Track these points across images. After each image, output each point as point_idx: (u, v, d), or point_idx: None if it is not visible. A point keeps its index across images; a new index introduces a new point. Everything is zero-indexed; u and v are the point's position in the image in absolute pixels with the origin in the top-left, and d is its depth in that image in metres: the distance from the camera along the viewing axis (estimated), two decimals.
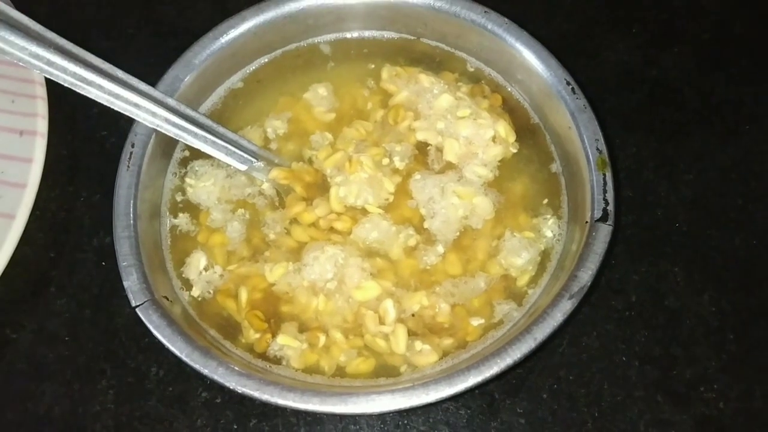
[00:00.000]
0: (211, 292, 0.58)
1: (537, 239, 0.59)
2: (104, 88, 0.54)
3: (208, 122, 0.59)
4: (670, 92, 0.73)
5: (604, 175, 0.55)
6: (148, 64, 0.72)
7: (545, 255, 0.58)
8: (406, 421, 0.59)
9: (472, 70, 0.66)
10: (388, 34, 0.67)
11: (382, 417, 0.59)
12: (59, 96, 0.71)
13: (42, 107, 0.67)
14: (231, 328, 0.57)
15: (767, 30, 0.76)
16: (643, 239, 0.66)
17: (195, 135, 0.58)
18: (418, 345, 0.55)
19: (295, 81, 0.66)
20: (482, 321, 0.56)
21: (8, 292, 0.63)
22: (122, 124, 0.69)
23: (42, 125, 0.66)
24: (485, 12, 0.62)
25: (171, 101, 0.57)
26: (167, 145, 0.61)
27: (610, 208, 0.54)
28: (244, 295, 0.56)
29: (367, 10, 0.64)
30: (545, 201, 0.60)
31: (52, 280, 0.65)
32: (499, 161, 0.61)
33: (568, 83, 0.59)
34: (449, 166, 0.61)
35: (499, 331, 0.55)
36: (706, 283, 0.64)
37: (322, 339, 0.55)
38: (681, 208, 0.68)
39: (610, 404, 0.60)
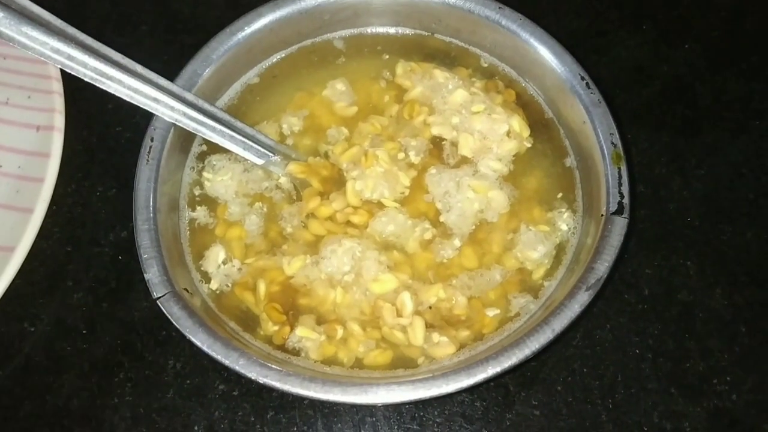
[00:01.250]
0: (230, 285, 0.58)
1: (552, 232, 0.59)
2: (124, 82, 0.55)
3: (226, 117, 0.59)
4: (681, 88, 0.74)
5: (619, 168, 0.56)
6: (162, 61, 0.73)
7: (560, 248, 0.59)
8: (422, 413, 0.60)
9: (486, 65, 0.66)
10: (402, 30, 0.67)
11: (398, 409, 0.60)
12: (75, 92, 0.71)
13: (59, 103, 0.68)
14: (250, 321, 0.57)
15: None
16: (656, 233, 0.67)
17: (213, 129, 0.58)
18: (436, 337, 0.55)
19: (310, 77, 0.66)
20: (498, 312, 0.57)
21: (26, 285, 0.64)
22: (137, 119, 0.70)
23: (59, 120, 0.67)
24: (499, 8, 0.62)
25: (189, 96, 0.57)
26: (185, 139, 0.61)
27: (626, 201, 0.55)
28: (262, 288, 0.57)
29: (382, 6, 0.65)
30: (560, 195, 0.61)
31: (69, 274, 0.65)
32: (514, 156, 0.62)
33: (583, 78, 0.59)
34: (464, 160, 0.62)
35: (516, 323, 0.56)
36: (719, 276, 0.65)
37: (340, 331, 0.56)
38: (693, 203, 0.68)
39: (623, 396, 0.60)
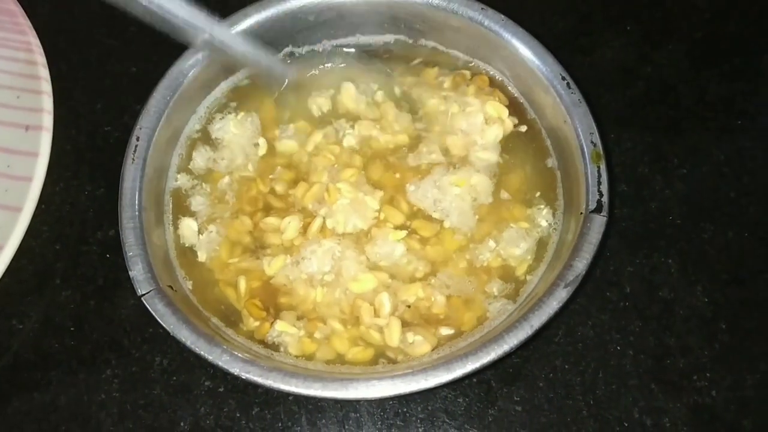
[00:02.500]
0: (218, 248, 0.59)
1: (532, 228, 0.60)
2: None
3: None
4: (665, 89, 0.75)
5: (599, 167, 0.57)
6: (152, 62, 0.74)
7: (541, 244, 0.60)
8: (405, 409, 0.60)
9: (467, 65, 0.67)
10: (386, 38, 0.68)
11: (381, 405, 0.61)
12: (64, 92, 0.72)
13: (47, 103, 0.68)
14: (233, 317, 0.58)
15: (759, 28, 0.78)
16: (638, 232, 0.68)
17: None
18: (410, 337, 0.56)
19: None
20: (478, 312, 0.57)
21: (14, 283, 0.64)
22: (126, 119, 0.71)
23: (48, 120, 0.67)
24: (482, 9, 0.63)
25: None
26: (171, 137, 0.62)
27: (605, 199, 0.55)
28: (243, 285, 0.58)
29: (366, 7, 0.65)
30: (538, 193, 0.62)
31: (57, 272, 0.66)
32: (501, 140, 0.63)
33: (563, 78, 0.60)
34: (459, 160, 0.63)
35: (496, 321, 0.56)
36: (700, 274, 0.66)
37: (321, 329, 0.57)
38: (675, 202, 0.69)
39: (604, 393, 0.61)
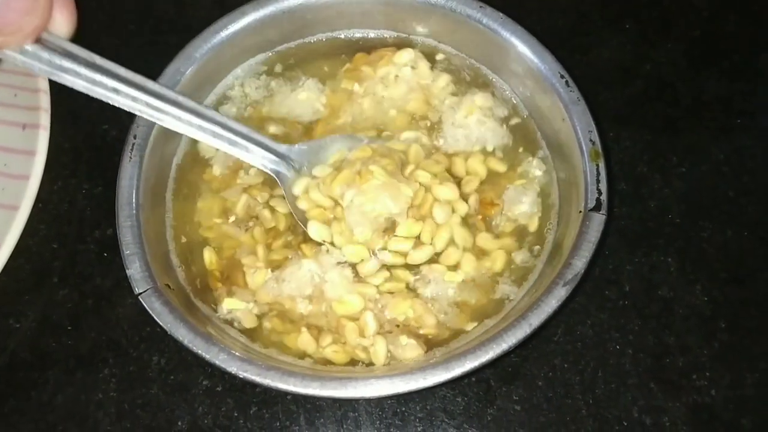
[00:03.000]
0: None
1: (530, 182, 0.61)
2: (80, 74, 0.50)
3: (193, 104, 0.56)
4: (663, 88, 0.75)
5: (597, 165, 0.56)
6: (149, 61, 0.73)
7: (544, 192, 0.61)
8: (403, 409, 0.60)
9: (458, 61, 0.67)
10: (382, 33, 0.68)
11: (380, 404, 0.60)
12: (61, 90, 0.71)
13: (45, 101, 0.68)
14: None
15: (757, 27, 0.78)
16: (637, 231, 0.67)
17: (179, 119, 0.55)
18: (404, 339, 0.55)
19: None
20: (472, 326, 0.57)
21: (11, 282, 0.64)
22: (123, 118, 0.69)
23: (45, 118, 0.67)
24: (480, 7, 0.63)
25: (152, 85, 0.54)
26: (169, 136, 0.62)
27: (603, 197, 0.55)
28: (207, 255, 0.59)
29: (365, 5, 0.65)
30: (521, 149, 0.63)
31: (54, 271, 0.66)
32: None
33: (562, 76, 0.60)
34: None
35: (494, 319, 0.56)
36: (699, 273, 0.66)
37: (305, 332, 0.56)
38: (674, 201, 0.69)
39: (604, 392, 0.61)
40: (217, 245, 0.60)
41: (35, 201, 0.65)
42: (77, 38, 0.75)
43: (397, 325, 0.57)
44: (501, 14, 0.63)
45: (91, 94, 0.51)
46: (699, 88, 0.75)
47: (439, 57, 0.67)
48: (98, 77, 0.51)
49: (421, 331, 0.56)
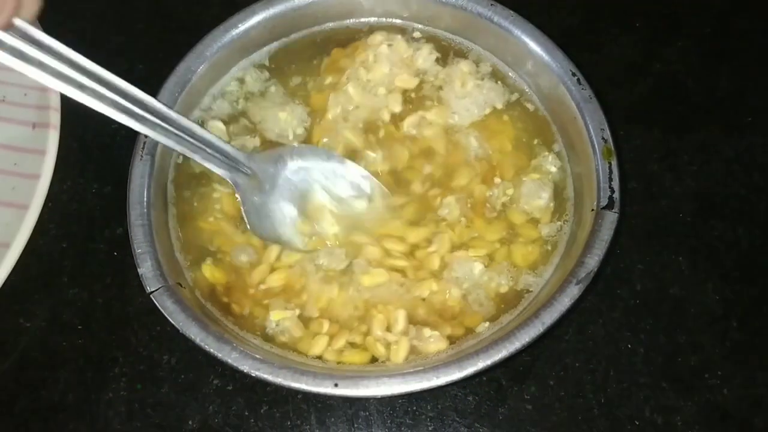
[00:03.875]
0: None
1: (545, 176, 0.61)
2: (46, 65, 0.48)
3: (163, 108, 0.54)
4: (674, 85, 0.74)
5: (610, 163, 0.56)
6: (158, 59, 0.74)
7: (558, 189, 0.61)
8: (414, 408, 0.60)
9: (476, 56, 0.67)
10: (392, 21, 0.68)
11: (391, 403, 0.60)
12: None
13: (54, 100, 0.68)
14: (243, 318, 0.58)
15: None
16: (648, 230, 0.67)
17: (143, 120, 0.53)
18: (427, 332, 0.55)
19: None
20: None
21: (22, 281, 0.64)
22: None
23: (55, 118, 0.67)
24: (491, 5, 0.63)
25: (121, 83, 0.52)
26: None
27: (616, 195, 0.55)
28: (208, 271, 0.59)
29: (375, 4, 0.65)
30: (536, 141, 0.63)
31: (64, 270, 0.66)
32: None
33: (574, 74, 0.60)
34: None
35: (508, 317, 0.56)
36: (710, 272, 0.65)
37: (326, 326, 0.56)
38: (685, 199, 0.68)
39: (615, 391, 0.61)
40: (217, 248, 0.60)
41: (45, 200, 0.65)
42: (86, 35, 0.76)
43: (423, 299, 0.57)
44: (512, 12, 0.63)
45: (55, 88, 0.49)
46: (710, 85, 0.74)
47: (416, 35, 0.67)
48: (64, 69, 0.49)
49: (449, 303, 0.57)
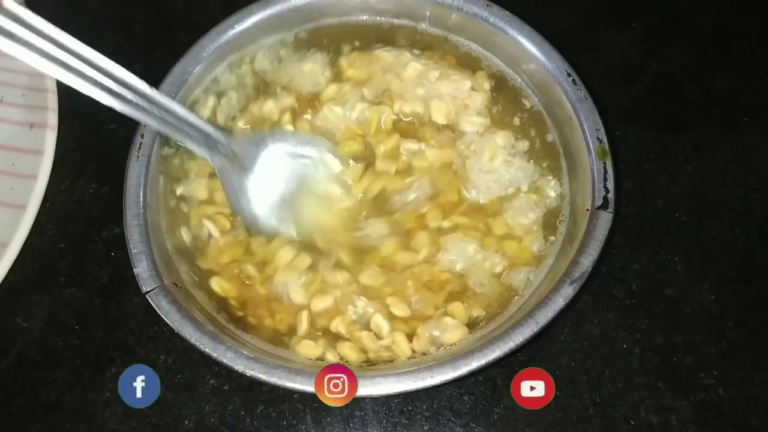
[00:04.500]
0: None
1: (541, 200, 0.60)
2: (33, 45, 0.47)
3: (148, 90, 0.53)
4: (671, 85, 0.74)
5: (605, 163, 0.56)
6: (156, 59, 0.74)
7: (549, 215, 0.60)
8: (410, 407, 0.60)
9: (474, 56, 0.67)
10: (389, 20, 0.67)
11: (386, 403, 0.60)
12: (69, 90, 0.71)
13: (52, 101, 0.68)
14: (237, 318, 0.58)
15: (766, 24, 0.77)
16: (644, 229, 0.67)
17: (126, 101, 0.52)
18: (449, 321, 0.55)
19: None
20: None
21: (19, 281, 0.64)
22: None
23: (52, 118, 0.67)
24: (487, 5, 0.63)
25: (107, 63, 0.51)
26: None
27: (611, 195, 0.55)
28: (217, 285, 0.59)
29: (371, 6, 0.65)
30: (545, 164, 0.62)
31: (62, 270, 0.66)
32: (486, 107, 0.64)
33: (569, 74, 0.60)
34: (439, 129, 0.63)
35: (501, 318, 0.56)
36: (706, 272, 0.65)
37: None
38: (681, 199, 0.68)
39: (611, 390, 0.61)
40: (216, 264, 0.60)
41: (43, 200, 0.65)
42: (84, 36, 0.76)
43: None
44: (507, 12, 0.62)
45: (35, 66, 0.48)
46: (707, 85, 0.74)
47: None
48: (44, 45, 0.48)
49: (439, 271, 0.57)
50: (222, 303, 0.58)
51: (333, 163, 0.62)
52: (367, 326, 0.56)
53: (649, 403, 0.60)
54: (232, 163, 0.59)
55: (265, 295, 0.58)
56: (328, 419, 0.60)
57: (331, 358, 0.55)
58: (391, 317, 0.56)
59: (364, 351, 0.55)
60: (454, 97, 0.63)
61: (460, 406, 0.60)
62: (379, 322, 0.56)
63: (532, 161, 0.62)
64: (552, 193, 0.60)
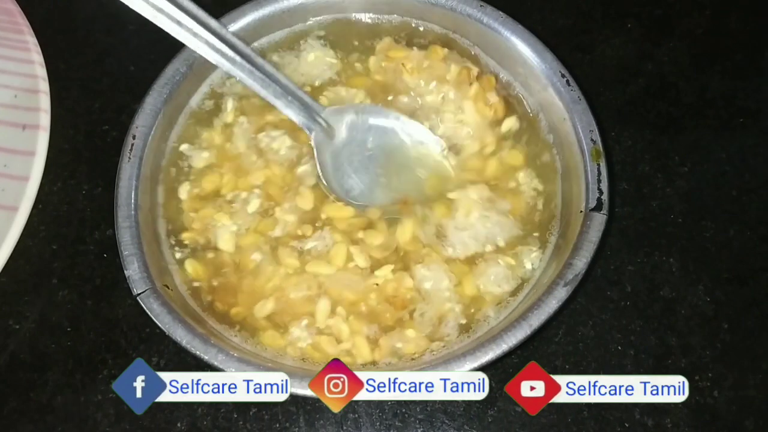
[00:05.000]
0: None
1: (518, 267, 0.58)
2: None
3: (251, 53, 0.58)
4: (665, 86, 0.74)
5: (599, 165, 0.56)
6: (149, 60, 0.73)
7: (519, 285, 0.58)
8: (404, 410, 0.60)
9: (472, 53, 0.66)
10: (389, 18, 0.67)
11: (380, 405, 0.60)
12: (62, 91, 0.72)
13: (45, 102, 0.68)
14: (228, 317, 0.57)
15: (761, 25, 0.77)
16: (639, 231, 0.67)
17: (233, 61, 0.58)
18: (411, 333, 0.55)
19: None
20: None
21: (11, 283, 0.64)
22: (123, 118, 0.71)
23: (45, 119, 0.67)
24: (481, 6, 0.62)
25: (214, 23, 0.57)
26: (168, 137, 0.62)
27: (605, 197, 0.55)
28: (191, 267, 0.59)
29: (366, 5, 0.65)
30: (536, 234, 0.60)
31: (54, 272, 0.65)
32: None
33: (563, 75, 0.60)
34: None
35: (494, 321, 0.56)
36: (701, 273, 0.65)
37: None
38: (676, 200, 0.68)
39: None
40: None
41: (35, 202, 0.65)
42: (77, 37, 0.76)
43: (377, 285, 0.57)
44: (501, 13, 0.62)
45: (154, 21, 0.55)
46: (701, 86, 0.74)
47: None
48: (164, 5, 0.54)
49: (401, 290, 0.56)
50: (196, 291, 0.58)
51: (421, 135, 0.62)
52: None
53: (644, 405, 0.60)
54: (326, 133, 0.61)
55: (235, 283, 0.58)
56: (321, 422, 0.60)
57: (291, 352, 0.55)
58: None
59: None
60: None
61: (454, 409, 0.60)
62: (341, 327, 0.55)
63: (510, 216, 0.60)
64: (529, 266, 0.58)
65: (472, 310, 0.57)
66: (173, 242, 0.59)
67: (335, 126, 0.62)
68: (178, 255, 0.59)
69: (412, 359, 0.54)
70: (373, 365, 0.55)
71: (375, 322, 0.56)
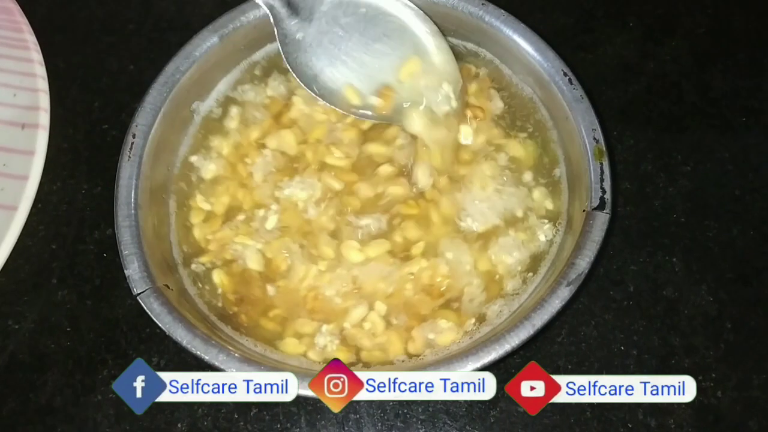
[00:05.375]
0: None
1: (530, 241, 0.58)
2: None
3: None
4: (668, 85, 0.74)
5: (601, 164, 0.56)
6: (149, 59, 0.74)
7: (535, 259, 0.58)
8: (405, 410, 0.60)
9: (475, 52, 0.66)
10: None
11: (381, 406, 0.60)
12: (61, 90, 0.71)
13: (44, 100, 0.68)
14: (228, 317, 0.57)
15: (764, 23, 0.77)
16: (642, 230, 0.67)
17: None
18: (443, 323, 0.55)
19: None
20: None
21: (10, 283, 0.64)
22: (123, 117, 0.71)
23: (44, 118, 0.67)
24: (483, 4, 0.62)
25: None
26: (169, 136, 0.61)
27: (608, 196, 0.55)
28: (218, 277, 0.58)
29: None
30: (551, 206, 0.60)
31: (53, 272, 0.65)
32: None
33: (565, 74, 0.59)
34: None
35: (495, 321, 0.56)
36: (704, 273, 0.65)
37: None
38: (679, 200, 0.68)
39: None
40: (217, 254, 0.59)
41: (34, 201, 0.65)
42: (76, 36, 0.75)
43: (411, 274, 0.56)
44: (503, 12, 0.62)
45: None
46: (704, 85, 0.74)
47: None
48: None
49: (437, 279, 0.56)
50: (214, 295, 0.58)
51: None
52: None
53: (647, 405, 0.60)
54: (289, 8, 0.56)
55: (261, 296, 0.58)
56: (323, 422, 0.59)
57: (313, 356, 0.55)
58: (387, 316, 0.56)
59: (353, 351, 0.55)
60: None
61: (456, 409, 0.60)
62: (375, 320, 0.55)
63: (521, 187, 0.61)
64: (543, 237, 0.59)
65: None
66: (192, 265, 0.59)
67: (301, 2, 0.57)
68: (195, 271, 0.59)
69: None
70: (409, 359, 0.55)
71: (409, 313, 0.56)
